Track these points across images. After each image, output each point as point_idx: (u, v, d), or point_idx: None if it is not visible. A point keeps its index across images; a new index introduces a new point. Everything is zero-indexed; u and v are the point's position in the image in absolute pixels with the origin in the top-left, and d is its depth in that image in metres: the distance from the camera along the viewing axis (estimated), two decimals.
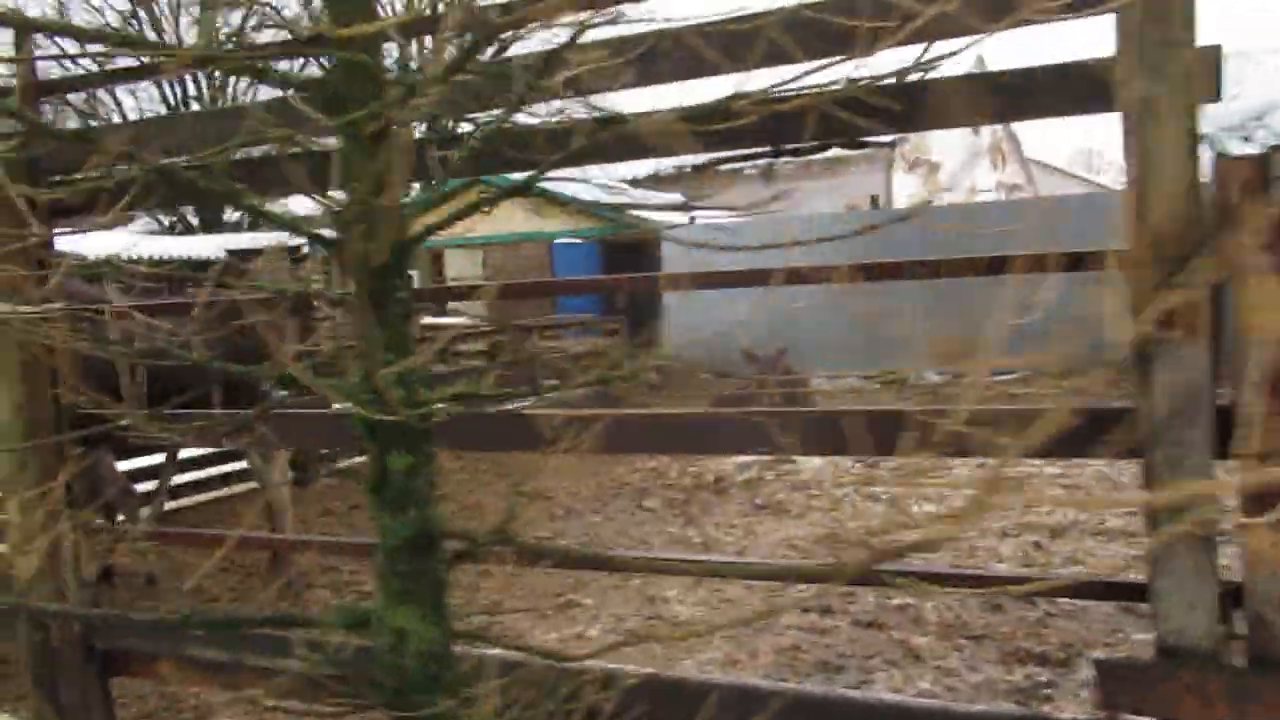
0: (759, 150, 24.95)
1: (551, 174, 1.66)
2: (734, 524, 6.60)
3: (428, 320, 15.62)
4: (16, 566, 3.08)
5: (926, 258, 2.66)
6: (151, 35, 28.66)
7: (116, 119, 28.51)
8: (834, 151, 28.14)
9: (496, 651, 1.76)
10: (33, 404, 3.18)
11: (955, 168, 29.82)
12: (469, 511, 6.97)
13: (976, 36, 1.40)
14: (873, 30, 1.36)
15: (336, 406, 3.19)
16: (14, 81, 3.24)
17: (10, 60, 3.26)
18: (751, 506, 7.08)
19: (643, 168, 24.31)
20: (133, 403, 4.38)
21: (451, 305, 18.14)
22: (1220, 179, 1.74)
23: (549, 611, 4.88)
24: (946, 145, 29.00)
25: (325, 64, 1.60)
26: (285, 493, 5.72)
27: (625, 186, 23.10)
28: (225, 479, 7.54)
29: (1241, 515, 1.75)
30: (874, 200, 24.63)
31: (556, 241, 17.05)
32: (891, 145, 26.63)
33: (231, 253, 20.84)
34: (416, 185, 2.27)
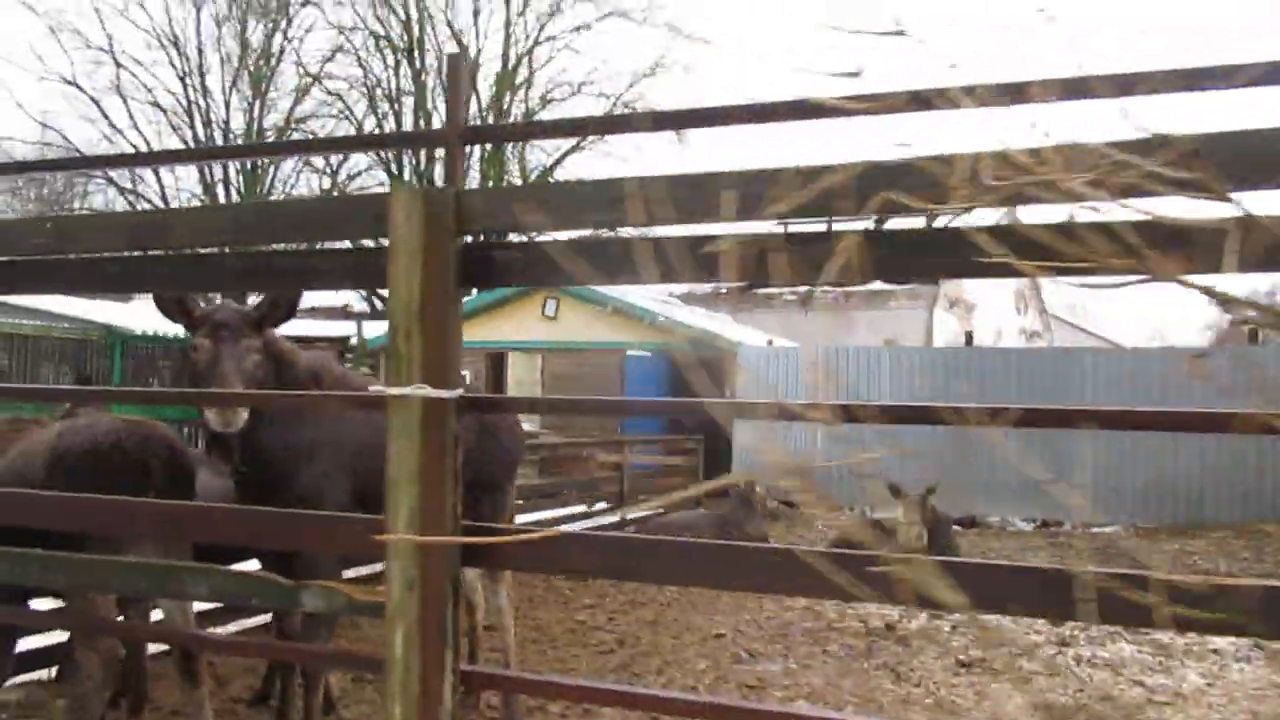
0: None
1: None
2: (952, 683, 5.92)
3: None
4: None
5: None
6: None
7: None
8: (877, 284, 28.00)
9: None
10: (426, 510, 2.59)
11: (987, 309, 29.89)
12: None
13: None
14: None
15: None
16: None
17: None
18: (954, 663, 6.41)
19: (678, 285, 24.16)
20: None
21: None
22: None
23: None
24: (978, 286, 29.07)
25: None
26: None
27: (676, 301, 22.83)
28: None
29: None
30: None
31: (629, 353, 16.59)
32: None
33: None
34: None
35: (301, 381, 3.80)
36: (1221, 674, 6.25)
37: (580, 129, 2.63)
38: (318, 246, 2.98)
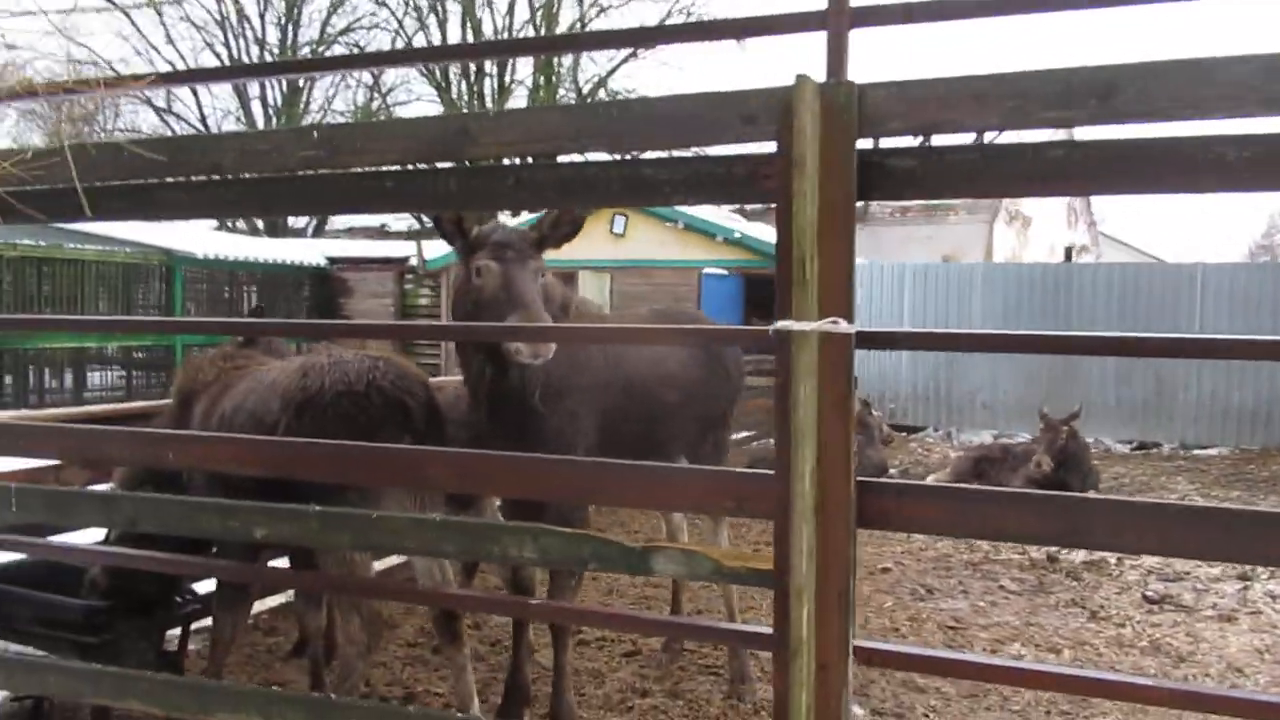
0: None
1: None
2: (1153, 623, 5.60)
3: None
4: None
5: None
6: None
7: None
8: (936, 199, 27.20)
9: None
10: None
11: (1041, 224, 29.12)
12: None
13: None
14: None
15: None
16: None
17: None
18: (1140, 599, 6.09)
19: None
20: None
21: None
22: None
23: None
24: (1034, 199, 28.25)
25: None
26: None
27: (740, 218, 22.25)
28: None
29: None
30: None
31: (705, 272, 16.09)
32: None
33: (333, 261, 19.85)
34: None
35: (554, 312, 3.40)
36: None
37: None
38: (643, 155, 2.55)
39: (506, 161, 2.62)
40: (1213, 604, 6.02)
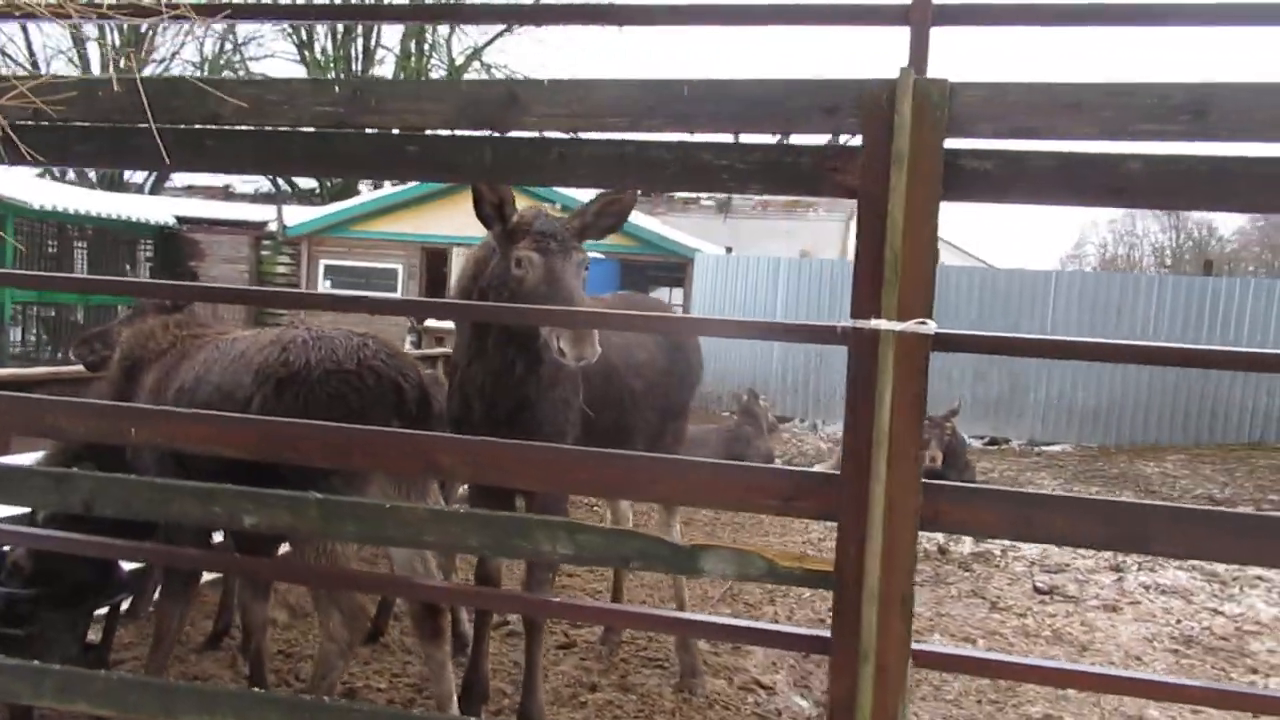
0: None
1: None
2: (1049, 613, 5.91)
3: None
4: None
5: None
6: None
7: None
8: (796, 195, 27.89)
9: None
10: None
11: None
12: None
13: None
14: None
15: None
16: None
17: None
18: (1032, 590, 6.42)
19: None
20: None
21: None
22: None
23: None
24: None
25: None
26: None
27: None
28: None
29: None
30: None
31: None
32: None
33: (182, 221, 18.64)
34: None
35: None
36: None
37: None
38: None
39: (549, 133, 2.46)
40: (1095, 594, 6.39)
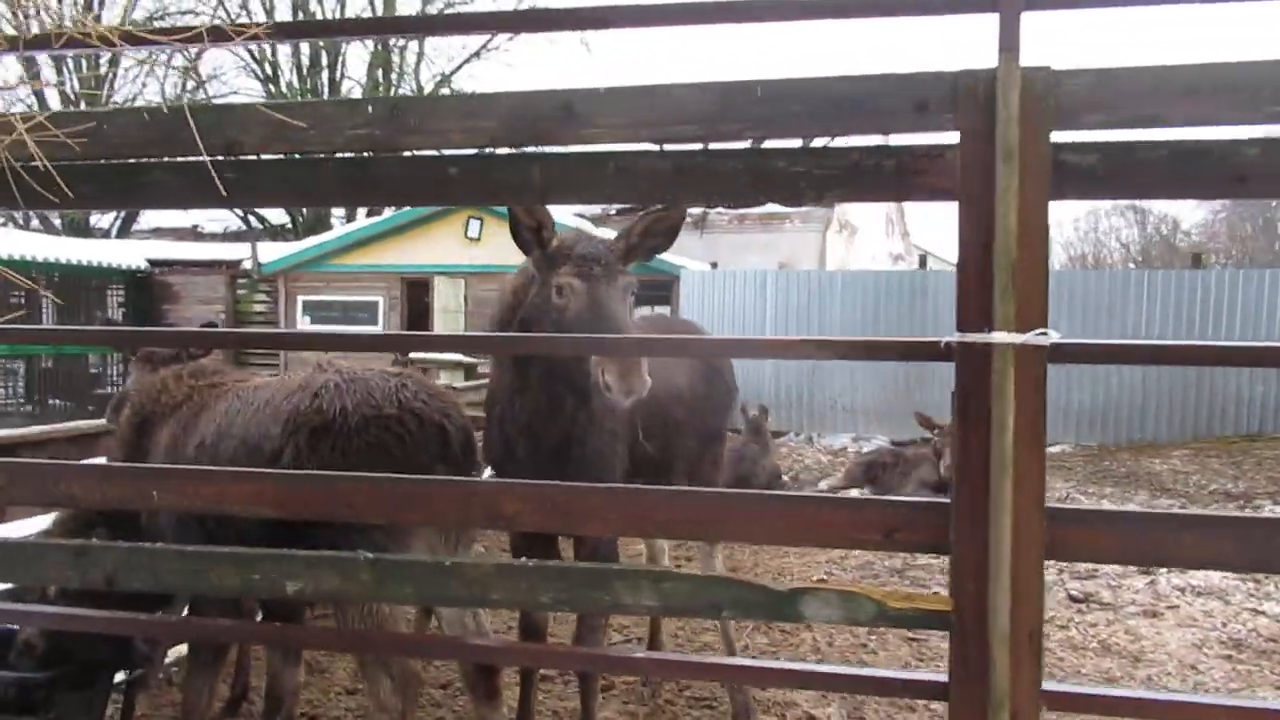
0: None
1: None
2: (1089, 622, 5.73)
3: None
4: None
5: None
6: None
7: None
8: (771, 207, 28.00)
9: None
10: None
11: (867, 234, 30.33)
12: None
13: None
14: None
15: None
16: None
17: None
18: (1067, 598, 6.24)
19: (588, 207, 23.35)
20: None
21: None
22: None
23: None
24: (859, 210, 29.33)
25: None
26: None
27: (588, 223, 22.01)
28: None
29: None
30: None
31: None
32: (830, 204, 26.70)
33: (154, 263, 18.26)
34: None
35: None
36: None
37: None
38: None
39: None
40: (1131, 600, 6.23)
